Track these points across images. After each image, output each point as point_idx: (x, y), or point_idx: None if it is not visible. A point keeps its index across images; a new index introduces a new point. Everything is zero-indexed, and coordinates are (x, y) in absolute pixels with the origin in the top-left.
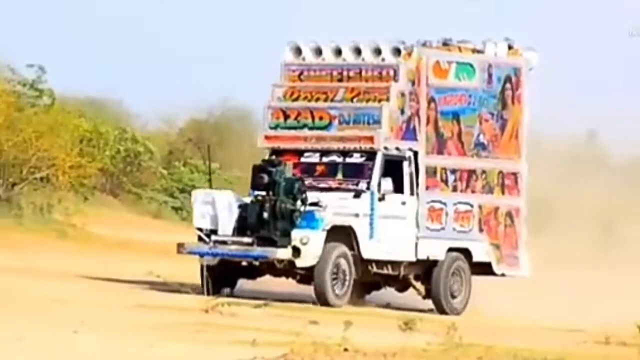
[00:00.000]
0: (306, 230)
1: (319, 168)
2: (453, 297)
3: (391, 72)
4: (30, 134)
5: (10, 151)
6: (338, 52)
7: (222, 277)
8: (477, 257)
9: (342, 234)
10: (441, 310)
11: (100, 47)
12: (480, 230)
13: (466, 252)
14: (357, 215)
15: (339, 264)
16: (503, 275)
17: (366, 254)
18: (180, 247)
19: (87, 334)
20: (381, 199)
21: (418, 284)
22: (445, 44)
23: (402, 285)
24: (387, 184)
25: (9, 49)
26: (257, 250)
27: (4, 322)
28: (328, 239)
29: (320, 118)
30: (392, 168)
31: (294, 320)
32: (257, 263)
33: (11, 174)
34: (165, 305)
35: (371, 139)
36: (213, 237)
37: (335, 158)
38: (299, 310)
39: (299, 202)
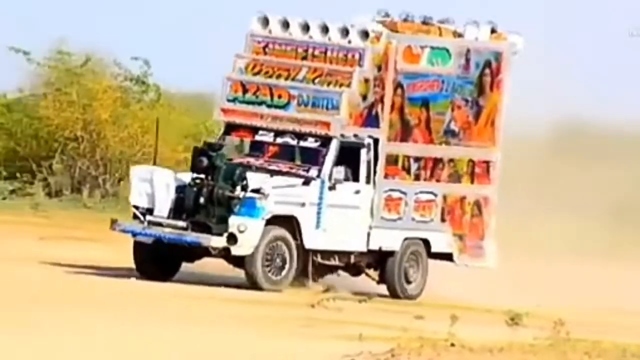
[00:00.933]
0: (244, 218)
1: (272, 149)
2: (408, 282)
3: (357, 56)
4: (136, 129)
5: (116, 146)
6: (306, 27)
7: (157, 258)
8: (436, 248)
9: (285, 223)
10: (395, 295)
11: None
12: (443, 220)
13: (425, 242)
14: (303, 204)
15: (274, 248)
16: (466, 265)
17: (310, 244)
18: (113, 223)
19: (197, 328)
20: (332, 187)
21: (370, 271)
22: (426, 22)
23: (355, 271)
24: (340, 172)
25: (114, 41)
26: (191, 236)
27: (116, 317)
28: (269, 229)
29: (279, 96)
30: (349, 155)
31: (400, 315)
32: None
33: (117, 169)
34: (267, 299)
35: (327, 125)
36: (148, 217)
37: (289, 140)
38: (405, 305)
39: (238, 189)
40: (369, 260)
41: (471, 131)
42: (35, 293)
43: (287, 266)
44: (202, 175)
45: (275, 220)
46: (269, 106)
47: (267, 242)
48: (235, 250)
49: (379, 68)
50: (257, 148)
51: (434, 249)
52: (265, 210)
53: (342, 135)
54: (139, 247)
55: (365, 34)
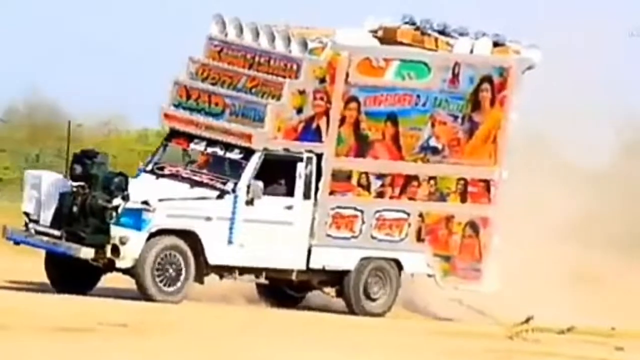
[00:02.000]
0: (127, 230)
1: (203, 158)
2: (372, 300)
3: (294, 66)
4: None
5: None
6: (256, 34)
7: (70, 270)
8: (410, 268)
9: (184, 236)
10: (352, 311)
11: None
12: (420, 239)
13: (395, 262)
14: (208, 218)
15: (166, 258)
16: (455, 288)
17: (216, 259)
18: (4, 230)
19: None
20: (249, 202)
21: (327, 288)
22: (423, 32)
23: (302, 288)
24: (257, 186)
25: None
26: (63, 246)
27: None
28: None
29: (216, 104)
30: (283, 169)
31: (600, 346)
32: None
33: None
34: (463, 331)
35: (249, 137)
36: (30, 225)
37: (218, 150)
38: (604, 335)
39: (117, 200)
40: (321, 278)
41: (461, 148)
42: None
43: (182, 277)
44: (83, 183)
45: (166, 232)
46: (205, 114)
47: (157, 252)
48: (119, 263)
49: (322, 80)
50: (193, 157)
51: (408, 269)
52: (151, 223)
53: (266, 149)
54: (49, 259)
55: (304, 45)
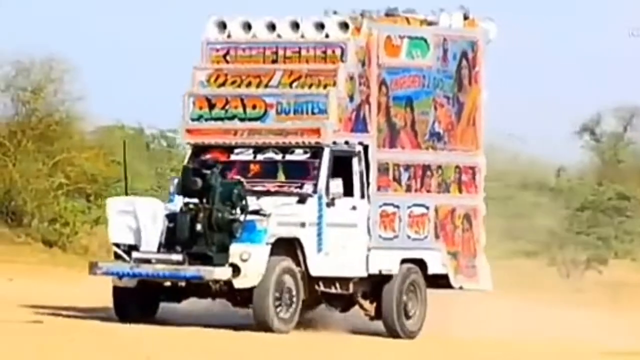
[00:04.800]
0: (246, 245)
1: (253, 167)
2: (407, 317)
3: (337, 51)
4: None
5: None
6: (271, 26)
7: (140, 300)
8: (433, 269)
9: (286, 248)
10: (393, 333)
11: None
12: (437, 236)
13: (421, 264)
14: (303, 224)
15: (282, 282)
16: (461, 288)
17: (314, 270)
18: (93, 267)
19: None
20: (330, 204)
21: (366, 303)
22: (389, 14)
23: (347, 304)
24: (337, 185)
25: None
26: (190, 270)
27: None
28: (272, 254)
29: (254, 107)
30: (340, 166)
31: None
32: (183, 284)
33: None
34: None
35: (317, 131)
36: (134, 255)
37: (272, 155)
38: None
39: (238, 211)
40: (365, 289)
41: (454, 133)
42: None
43: (294, 301)
44: (195, 200)
45: (276, 248)
46: (242, 119)
47: (276, 277)
48: (240, 283)
49: (363, 63)
50: (236, 168)
51: (430, 271)
52: (268, 233)
53: (335, 143)
54: (119, 289)
55: (345, 25)
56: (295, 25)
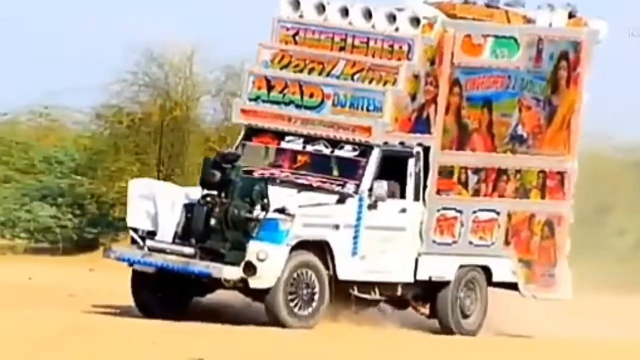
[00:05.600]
0: (265, 244)
1: (302, 158)
2: (465, 316)
3: (405, 47)
4: None
5: None
6: (345, 12)
7: (161, 290)
8: (498, 277)
9: (314, 248)
10: (449, 332)
11: None
12: (507, 243)
13: (484, 270)
14: (336, 226)
15: (300, 276)
16: (534, 297)
17: (344, 274)
18: (107, 250)
19: None
20: (372, 206)
21: (419, 305)
22: (489, 5)
23: (398, 306)
24: (381, 187)
25: None
26: (199, 265)
27: None
28: (294, 254)
29: (311, 95)
30: (394, 166)
31: None
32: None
33: None
34: None
35: (368, 130)
36: (148, 242)
37: (322, 148)
38: None
39: (257, 209)
40: (416, 292)
41: (542, 136)
42: None
43: (316, 298)
44: (214, 192)
45: (302, 246)
46: (298, 107)
47: (290, 270)
48: (254, 283)
49: (432, 62)
50: (284, 157)
51: (495, 278)
52: (291, 235)
53: (386, 143)
54: (138, 278)
55: (416, 21)
56: (368, 14)
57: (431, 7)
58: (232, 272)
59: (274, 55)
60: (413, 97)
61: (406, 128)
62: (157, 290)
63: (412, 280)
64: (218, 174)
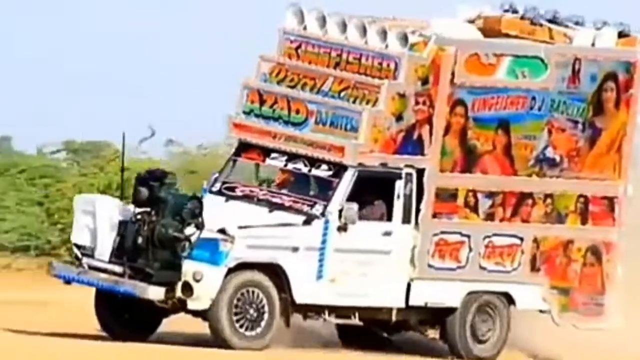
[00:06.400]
0: (202, 264)
1: (283, 176)
2: (479, 341)
3: (392, 65)
4: None
5: None
6: (343, 26)
7: (127, 311)
8: (523, 304)
9: (265, 269)
10: (459, 356)
11: None
12: (535, 269)
13: (505, 297)
14: (295, 249)
15: (246, 295)
16: (574, 326)
17: (303, 298)
18: (49, 266)
19: None
20: (342, 228)
21: (426, 328)
22: (533, 22)
23: (399, 329)
24: (352, 209)
25: None
26: (126, 285)
27: None
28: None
29: (297, 111)
30: (381, 188)
31: None
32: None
33: None
34: None
35: (341, 149)
36: (84, 260)
37: (301, 166)
38: None
39: (190, 228)
40: (421, 317)
41: (581, 160)
42: None
43: (265, 318)
44: (148, 209)
45: (247, 267)
46: (285, 123)
47: (234, 289)
48: (192, 304)
49: (425, 81)
50: (267, 174)
51: (520, 306)
52: (230, 257)
53: (361, 164)
54: (100, 298)
55: (404, 39)
56: (363, 29)
57: (470, 25)
58: (157, 293)
59: (272, 68)
60: (399, 117)
61: (389, 149)
62: (123, 311)
63: (402, 305)
64: (145, 191)
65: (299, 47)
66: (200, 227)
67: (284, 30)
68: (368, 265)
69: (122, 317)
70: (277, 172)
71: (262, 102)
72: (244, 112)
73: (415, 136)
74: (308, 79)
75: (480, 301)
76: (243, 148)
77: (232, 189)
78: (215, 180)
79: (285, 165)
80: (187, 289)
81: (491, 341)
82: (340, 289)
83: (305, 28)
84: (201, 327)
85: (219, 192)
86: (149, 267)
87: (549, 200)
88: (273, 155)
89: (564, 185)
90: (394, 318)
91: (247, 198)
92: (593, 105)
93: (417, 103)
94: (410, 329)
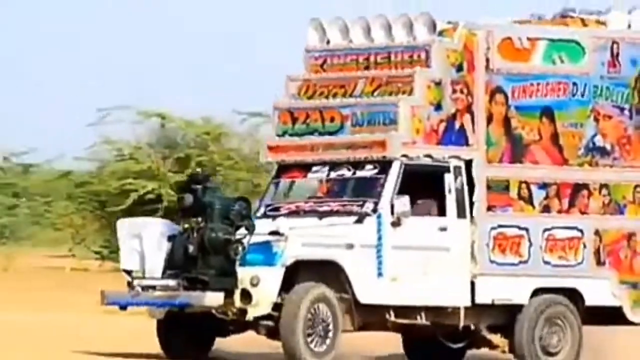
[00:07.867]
0: (257, 268)
1: (325, 186)
2: (549, 354)
3: (422, 55)
4: None
5: None
6: (367, 30)
7: (183, 331)
8: (592, 300)
9: (326, 272)
10: None
11: None
12: (600, 263)
13: (573, 293)
14: (350, 245)
15: (316, 312)
16: None
17: (367, 297)
18: (102, 296)
19: None
20: (396, 223)
21: (496, 337)
22: (564, 16)
23: (463, 338)
24: (403, 203)
25: None
26: (181, 296)
27: None
28: (300, 278)
29: (332, 119)
30: (431, 182)
31: None
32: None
33: None
34: None
35: (382, 144)
36: (136, 282)
37: (345, 172)
38: None
39: (241, 230)
40: (489, 322)
41: (633, 147)
42: None
43: (331, 333)
44: (195, 219)
45: (309, 272)
46: (321, 134)
47: (309, 304)
48: (252, 310)
49: (459, 68)
50: (310, 188)
51: (589, 302)
52: (285, 255)
53: (406, 156)
54: (161, 321)
55: (432, 26)
56: (388, 27)
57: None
58: (215, 299)
59: (299, 86)
60: (437, 106)
61: (432, 140)
62: (182, 331)
63: (469, 304)
64: (190, 197)
65: (324, 62)
66: (250, 229)
67: (306, 49)
68: (428, 262)
69: (177, 338)
70: (317, 186)
71: (294, 121)
72: (277, 135)
73: (457, 126)
74: (337, 87)
75: (543, 306)
76: (283, 170)
77: (277, 209)
78: (259, 206)
79: (329, 175)
80: (246, 296)
81: (562, 354)
82: (402, 288)
83: (328, 42)
84: None
85: (264, 215)
86: (204, 274)
87: (605, 191)
88: (314, 168)
89: (619, 175)
90: (461, 322)
91: (294, 213)
92: (637, 90)
93: (454, 91)
94: (478, 339)
